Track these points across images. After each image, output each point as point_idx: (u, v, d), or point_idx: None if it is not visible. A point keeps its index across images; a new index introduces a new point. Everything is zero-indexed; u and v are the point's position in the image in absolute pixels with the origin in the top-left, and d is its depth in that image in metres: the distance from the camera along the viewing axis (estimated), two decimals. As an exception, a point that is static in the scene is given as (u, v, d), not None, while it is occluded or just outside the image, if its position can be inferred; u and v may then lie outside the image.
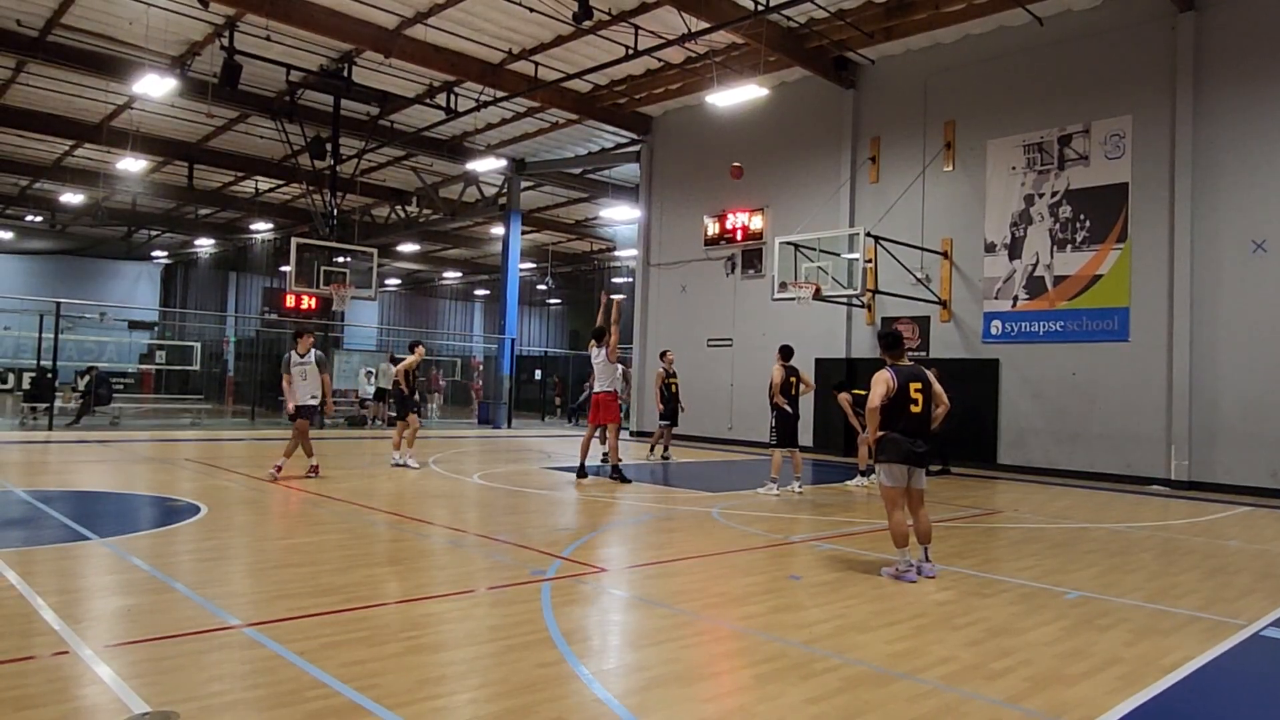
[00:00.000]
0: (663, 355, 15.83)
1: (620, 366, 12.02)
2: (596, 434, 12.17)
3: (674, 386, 15.31)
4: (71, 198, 29.21)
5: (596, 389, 11.44)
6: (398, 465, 12.17)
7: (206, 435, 17.57)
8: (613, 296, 11.84)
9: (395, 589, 5.48)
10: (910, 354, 6.55)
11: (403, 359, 13.41)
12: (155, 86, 15.73)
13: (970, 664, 4.22)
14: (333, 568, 5.85)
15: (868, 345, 17.12)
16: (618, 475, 11.20)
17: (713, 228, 20.10)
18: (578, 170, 25.10)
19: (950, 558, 6.91)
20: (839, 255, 15.12)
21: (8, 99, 21.04)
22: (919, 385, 6.16)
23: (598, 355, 11.37)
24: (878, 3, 15.06)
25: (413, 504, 9.02)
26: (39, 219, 34.62)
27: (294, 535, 7.17)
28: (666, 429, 15.33)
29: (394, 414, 13.20)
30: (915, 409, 6.10)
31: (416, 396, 13.37)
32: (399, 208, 29.88)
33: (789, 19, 15.42)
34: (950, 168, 16.05)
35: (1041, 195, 14.85)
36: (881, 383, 6.10)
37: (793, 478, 10.81)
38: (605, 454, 11.99)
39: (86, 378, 19.34)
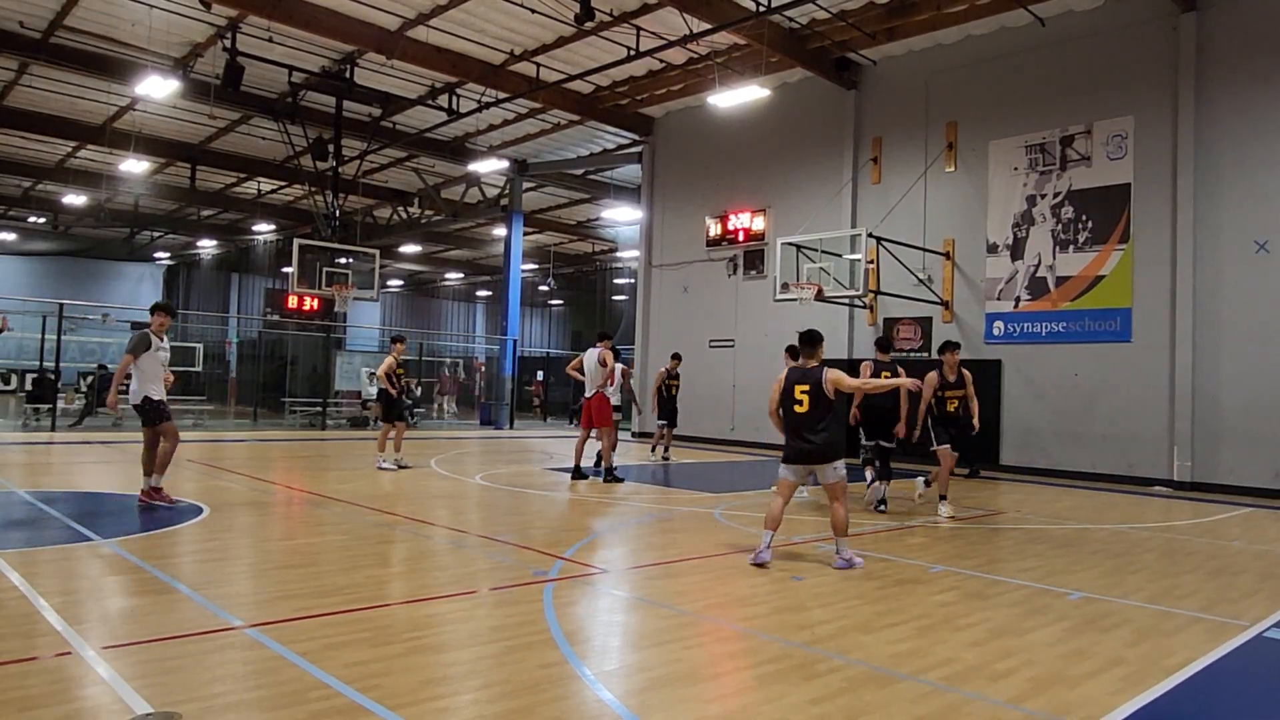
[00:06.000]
0: (671, 357, 15.98)
1: (620, 367, 11.96)
2: (591, 435, 12.11)
3: (674, 389, 15.44)
4: (74, 199, 29.27)
5: (588, 393, 11.41)
6: (384, 469, 11.99)
7: (209, 436, 17.58)
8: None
9: (397, 590, 5.49)
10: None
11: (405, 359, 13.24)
12: (158, 88, 15.75)
13: (973, 665, 4.21)
14: (335, 568, 5.85)
15: (869, 345, 17.11)
16: (611, 477, 11.19)
17: (715, 228, 20.11)
18: (579, 171, 25.11)
19: (953, 558, 6.91)
20: (841, 256, 15.13)
21: (11, 100, 21.09)
22: (805, 387, 6.51)
23: (593, 360, 11.31)
24: (879, 3, 15.05)
25: (414, 505, 9.02)
26: (42, 220, 34.69)
27: (296, 536, 7.17)
28: (667, 430, 15.40)
29: (381, 416, 12.90)
30: (800, 409, 6.49)
31: (405, 398, 13.17)
32: (401, 209, 29.92)
33: (790, 20, 15.42)
34: (952, 168, 16.04)
35: (1044, 196, 14.84)
36: (776, 384, 6.73)
37: None
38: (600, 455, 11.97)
39: (90, 378, 19.36)
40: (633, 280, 28.53)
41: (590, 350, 11.50)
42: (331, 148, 20.09)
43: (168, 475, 8.38)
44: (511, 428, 23.98)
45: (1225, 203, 12.94)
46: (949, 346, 9.46)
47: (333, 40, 16.36)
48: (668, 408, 15.40)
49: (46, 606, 4.61)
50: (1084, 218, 14.36)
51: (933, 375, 9.15)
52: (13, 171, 27.09)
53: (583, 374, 11.51)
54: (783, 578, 6.06)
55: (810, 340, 6.72)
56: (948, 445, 9.23)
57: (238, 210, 32.08)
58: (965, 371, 9.45)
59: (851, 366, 12.63)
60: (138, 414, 8.27)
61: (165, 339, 8.43)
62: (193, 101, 19.03)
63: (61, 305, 18.26)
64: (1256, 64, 12.78)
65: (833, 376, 6.48)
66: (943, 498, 9.34)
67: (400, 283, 48.44)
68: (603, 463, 11.36)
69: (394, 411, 12.51)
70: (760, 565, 6.29)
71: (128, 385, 8.23)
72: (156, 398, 8.15)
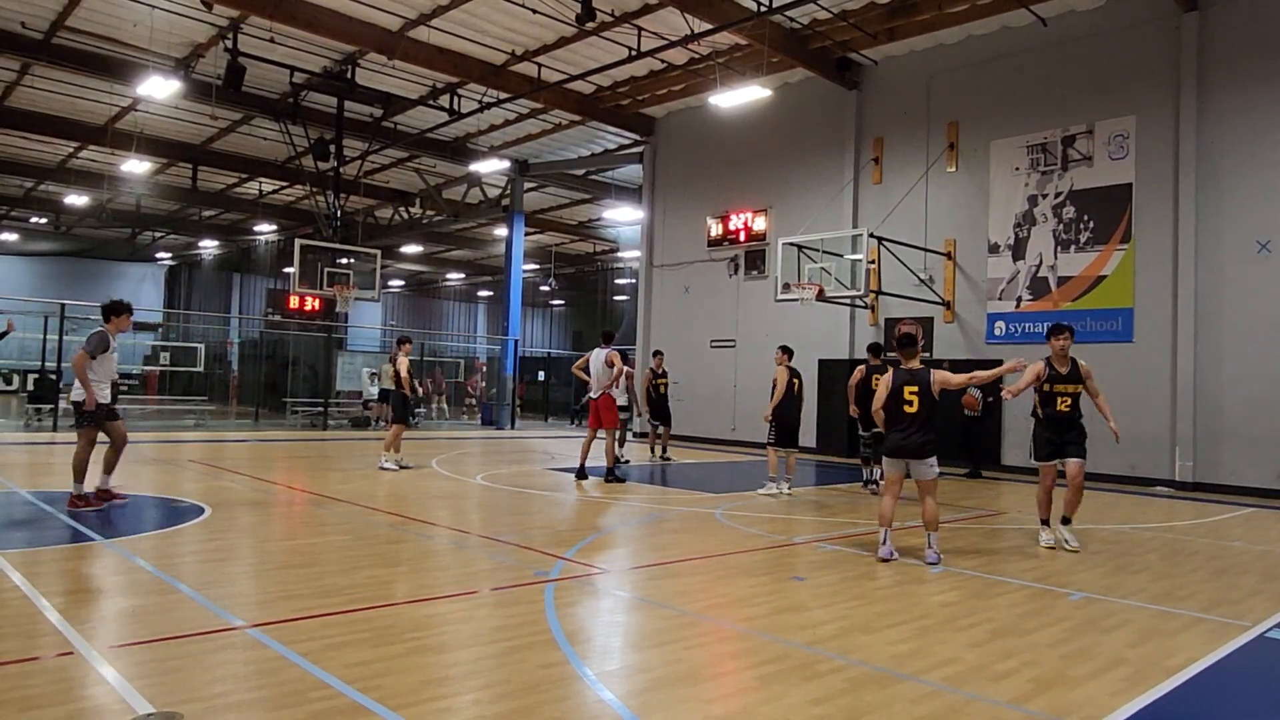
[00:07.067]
0: (653, 355, 15.95)
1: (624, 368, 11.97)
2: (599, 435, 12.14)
3: (663, 387, 15.37)
4: (76, 199, 29.30)
5: (594, 394, 11.41)
6: (385, 469, 11.97)
7: (210, 436, 17.60)
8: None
9: (399, 590, 5.48)
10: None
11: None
12: (159, 88, 15.75)
13: (974, 665, 4.21)
14: (336, 569, 5.85)
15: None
16: (612, 478, 11.21)
17: (716, 229, 20.10)
18: (581, 171, 25.12)
19: (954, 558, 6.90)
20: (842, 256, 15.12)
21: (13, 101, 21.11)
22: (914, 389, 6.86)
23: (600, 361, 11.33)
24: (880, 3, 15.04)
25: (416, 505, 9.02)
26: (44, 221, 34.72)
27: (297, 536, 7.17)
28: (664, 430, 15.34)
29: (393, 417, 12.92)
30: (910, 409, 6.84)
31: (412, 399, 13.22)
32: (402, 209, 29.93)
33: (792, 20, 15.42)
34: (953, 168, 16.03)
35: (1045, 196, 14.83)
36: (883, 385, 7.01)
37: (784, 478, 10.78)
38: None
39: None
40: (634, 280, 28.54)
41: (597, 351, 11.50)
42: (333, 148, 20.10)
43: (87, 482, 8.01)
44: (513, 428, 23.98)
45: (1227, 203, 12.93)
46: (1058, 330, 7.58)
47: (334, 41, 16.37)
48: (659, 407, 15.36)
49: (48, 606, 4.61)
50: (1085, 218, 14.35)
51: (1039, 365, 7.65)
52: (14, 172, 27.11)
53: (588, 374, 11.52)
54: (783, 577, 6.06)
55: (911, 342, 7.10)
56: (1053, 462, 7.70)
57: (239, 211, 32.09)
58: (1082, 364, 7.64)
59: (852, 367, 12.62)
60: (74, 410, 8.03)
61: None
62: (194, 102, 19.06)
63: (63, 305, 18.30)
64: (1258, 64, 12.77)
65: (939, 378, 6.90)
66: (1044, 522, 7.85)
67: (401, 283, 48.46)
68: (606, 462, 11.37)
69: (405, 412, 12.55)
70: (886, 560, 6.64)
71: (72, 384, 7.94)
72: (102, 401, 7.90)
